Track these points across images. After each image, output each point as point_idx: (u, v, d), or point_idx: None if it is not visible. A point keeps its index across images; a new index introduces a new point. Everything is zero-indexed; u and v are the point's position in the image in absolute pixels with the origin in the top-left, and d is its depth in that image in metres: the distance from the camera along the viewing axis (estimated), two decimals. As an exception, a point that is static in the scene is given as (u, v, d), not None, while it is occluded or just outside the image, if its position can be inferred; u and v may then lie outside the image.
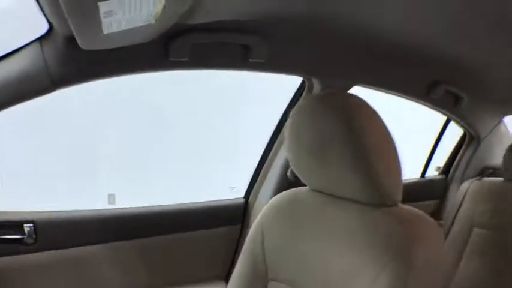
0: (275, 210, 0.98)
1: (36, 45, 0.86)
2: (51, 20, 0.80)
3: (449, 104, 1.68)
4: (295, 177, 0.95)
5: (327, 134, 0.83)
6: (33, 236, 1.08)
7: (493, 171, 1.94)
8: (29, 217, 1.08)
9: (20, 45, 0.86)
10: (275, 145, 1.37)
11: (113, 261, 1.20)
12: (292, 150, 0.89)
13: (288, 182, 1.32)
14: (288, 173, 1.33)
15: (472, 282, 1.69)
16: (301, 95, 1.32)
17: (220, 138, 3.09)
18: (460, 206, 1.83)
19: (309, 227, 0.90)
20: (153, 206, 1.29)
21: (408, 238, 0.80)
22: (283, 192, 1.00)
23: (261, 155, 1.39)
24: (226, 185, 2.24)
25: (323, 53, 1.23)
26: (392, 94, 1.49)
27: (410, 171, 1.99)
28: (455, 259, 1.75)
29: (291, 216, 0.95)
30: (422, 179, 1.96)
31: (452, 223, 1.83)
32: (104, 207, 1.26)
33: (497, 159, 1.76)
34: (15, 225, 1.07)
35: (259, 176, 1.40)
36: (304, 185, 0.93)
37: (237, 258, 0.99)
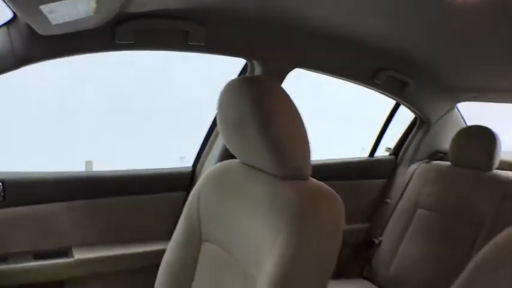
0: (210, 179, 1.15)
1: (4, 29, 1.06)
2: (13, 10, 1.02)
3: (395, 89, 1.85)
4: None
5: (244, 113, 0.97)
6: (2, 194, 1.30)
7: (444, 156, 2.12)
8: None
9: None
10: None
11: (71, 217, 1.43)
12: (221, 125, 1.06)
13: (230, 153, 1.54)
14: None
15: (411, 260, 1.84)
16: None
17: (177, 113, 3.35)
18: (406, 187, 2.02)
19: (234, 195, 1.06)
20: (108, 171, 1.51)
21: (303, 209, 0.91)
22: (218, 163, 1.19)
23: (208, 128, 1.59)
24: (177, 155, 2.51)
25: (262, 37, 1.39)
26: (337, 78, 1.68)
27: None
28: (399, 237, 1.93)
29: (221, 184, 1.12)
30: (372, 158, 2.15)
31: (398, 202, 2.03)
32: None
33: (448, 144, 1.92)
34: None
35: (206, 147, 1.61)
36: None
37: None
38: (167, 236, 1.24)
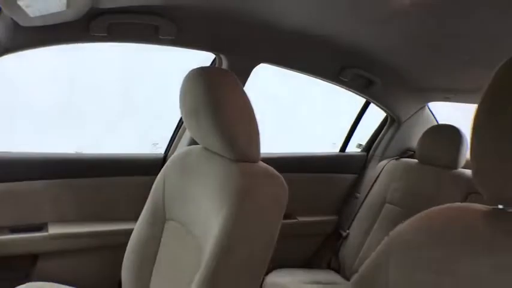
0: (174, 164, 1.32)
1: None
2: (-2, 5, 1.21)
3: (362, 87, 2.01)
4: None
5: (199, 101, 1.11)
6: None
7: (414, 153, 2.26)
8: None
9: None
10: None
11: (48, 195, 1.59)
12: (182, 113, 1.23)
13: (198, 140, 1.69)
14: None
15: None
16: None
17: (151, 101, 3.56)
18: (374, 182, 2.19)
19: (193, 177, 1.23)
20: (85, 153, 1.70)
21: (243, 188, 1.05)
22: (182, 148, 1.37)
23: (180, 116, 1.75)
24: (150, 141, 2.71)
25: (228, 32, 1.55)
26: (302, 74, 1.84)
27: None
28: (366, 231, 2.08)
29: (184, 168, 1.28)
30: (344, 153, 2.32)
31: (366, 197, 2.19)
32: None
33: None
34: None
35: (178, 134, 1.78)
36: None
37: None
38: (137, 216, 1.38)
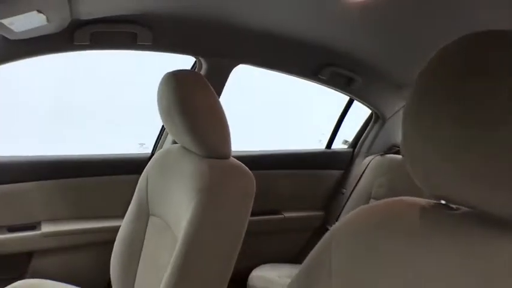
0: (156, 162, 1.45)
1: None
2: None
3: (341, 85, 2.11)
4: None
5: (171, 102, 1.23)
6: None
7: (399, 149, 2.32)
8: None
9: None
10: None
11: (42, 196, 1.73)
12: (160, 114, 1.36)
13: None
14: None
15: None
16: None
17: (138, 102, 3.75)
18: (360, 178, 2.30)
19: (171, 173, 1.35)
20: (76, 155, 1.83)
21: (211, 181, 1.16)
22: (164, 147, 1.53)
23: None
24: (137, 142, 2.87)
25: (205, 36, 1.67)
26: (282, 73, 1.96)
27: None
28: None
29: (163, 165, 1.41)
30: (330, 150, 2.44)
31: (352, 192, 2.31)
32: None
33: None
34: None
35: (163, 134, 1.91)
36: None
37: None
38: (125, 214, 1.49)
